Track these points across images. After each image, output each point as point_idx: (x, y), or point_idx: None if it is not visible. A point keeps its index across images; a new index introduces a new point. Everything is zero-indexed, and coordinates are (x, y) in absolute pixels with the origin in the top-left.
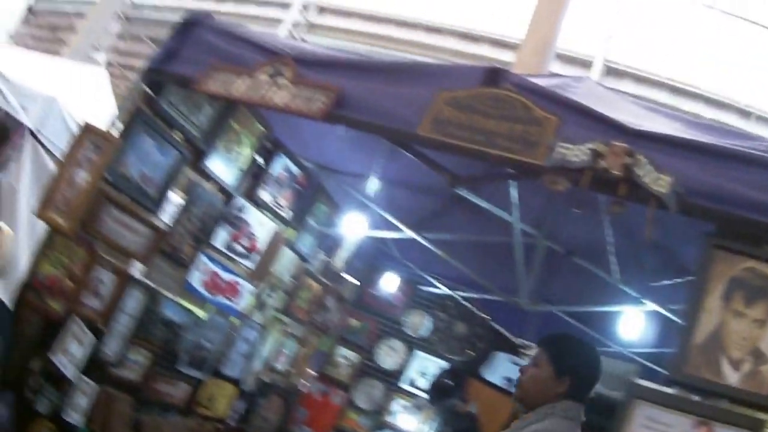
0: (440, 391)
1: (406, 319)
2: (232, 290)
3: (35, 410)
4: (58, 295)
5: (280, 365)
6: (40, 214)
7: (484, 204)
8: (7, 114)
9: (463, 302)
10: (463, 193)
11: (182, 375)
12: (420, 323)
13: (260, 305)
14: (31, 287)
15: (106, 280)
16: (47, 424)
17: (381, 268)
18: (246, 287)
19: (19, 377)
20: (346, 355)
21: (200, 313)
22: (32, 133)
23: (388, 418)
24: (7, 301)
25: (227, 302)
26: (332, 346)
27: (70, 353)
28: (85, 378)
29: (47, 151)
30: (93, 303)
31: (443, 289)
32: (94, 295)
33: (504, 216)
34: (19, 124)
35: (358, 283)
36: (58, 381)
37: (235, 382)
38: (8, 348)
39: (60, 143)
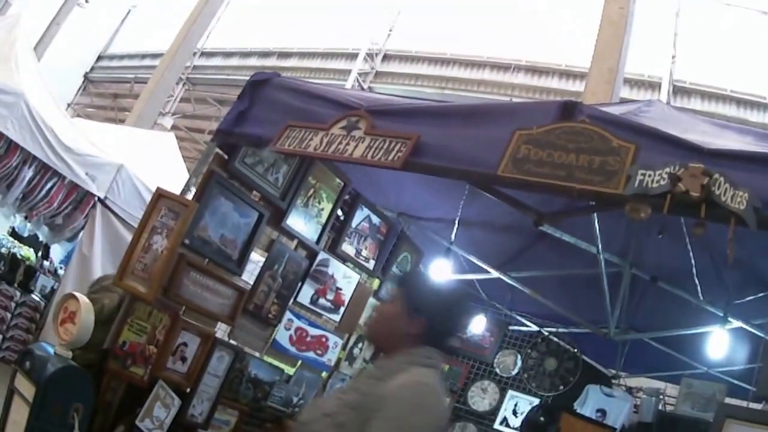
0: (533, 429)
1: (496, 359)
2: (320, 345)
3: None
4: (141, 362)
5: None
6: (118, 282)
7: (567, 238)
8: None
9: (552, 338)
10: (547, 228)
11: None
12: (511, 362)
13: (349, 357)
14: (113, 355)
15: (190, 343)
16: None
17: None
18: (334, 341)
19: None
20: None
21: (288, 369)
22: (102, 202)
23: None
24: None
25: (315, 357)
26: None
27: (157, 417)
28: None
29: (118, 218)
30: (178, 366)
31: (532, 327)
32: (179, 358)
33: (589, 248)
34: (89, 194)
35: None
36: None
37: None
38: (91, 415)
39: (131, 210)
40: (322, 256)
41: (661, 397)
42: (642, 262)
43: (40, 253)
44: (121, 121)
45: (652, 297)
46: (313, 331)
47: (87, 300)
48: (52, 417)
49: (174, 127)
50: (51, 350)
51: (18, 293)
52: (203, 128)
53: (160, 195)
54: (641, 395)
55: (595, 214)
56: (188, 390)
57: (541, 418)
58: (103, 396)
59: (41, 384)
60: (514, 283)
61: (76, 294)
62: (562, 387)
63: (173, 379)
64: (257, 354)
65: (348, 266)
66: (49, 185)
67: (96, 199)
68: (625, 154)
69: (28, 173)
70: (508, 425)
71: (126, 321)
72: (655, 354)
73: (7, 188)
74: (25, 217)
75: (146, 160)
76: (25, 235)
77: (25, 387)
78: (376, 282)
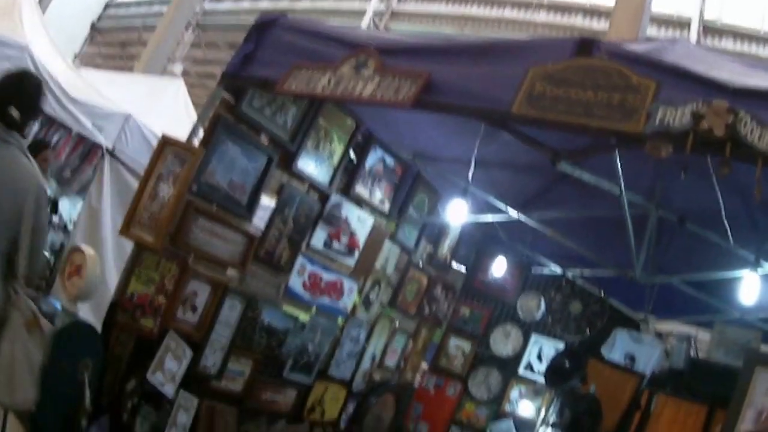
0: (558, 374)
1: (519, 302)
2: (335, 290)
3: None
4: (150, 313)
5: (391, 362)
6: (124, 232)
7: (588, 177)
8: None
9: (577, 281)
10: (565, 168)
11: (288, 381)
12: (534, 306)
13: (366, 302)
14: (121, 307)
15: (200, 292)
16: None
17: (489, 253)
18: (349, 285)
19: (115, 400)
20: (459, 345)
21: (303, 316)
22: (110, 153)
23: (507, 407)
24: (96, 324)
25: (330, 303)
26: (444, 337)
27: (168, 370)
28: (186, 393)
29: (128, 169)
30: (189, 317)
31: (555, 269)
32: (189, 308)
33: (611, 188)
34: (96, 146)
35: (467, 271)
36: (157, 400)
37: (345, 383)
38: (100, 371)
39: (141, 159)
40: (334, 199)
41: (693, 343)
42: (669, 202)
43: (48, 208)
44: (130, 70)
45: (680, 239)
46: (327, 276)
47: (93, 252)
48: (60, 375)
49: (184, 73)
50: (58, 305)
51: None
52: (215, 73)
53: (165, 142)
54: (672, 341)
55: (617, 153)
56: (200, 340)
57: (567, 364)
58: (112, 350)
59: (48, 341)
60: (534, 225)
61: (82, 246)
62: (588, 331)
63: (184, 330)
64: (270, 301)
65: (362, 209)
66: (55, 138)
67: (104, 149)
68: (646, 92)
69: (34, 127)
70: (532, 370)
71: (133, 271)
72: (686, 298)
73: None
74: None
75: (155, 108)
76: None
77: None
78: (392, 224)
